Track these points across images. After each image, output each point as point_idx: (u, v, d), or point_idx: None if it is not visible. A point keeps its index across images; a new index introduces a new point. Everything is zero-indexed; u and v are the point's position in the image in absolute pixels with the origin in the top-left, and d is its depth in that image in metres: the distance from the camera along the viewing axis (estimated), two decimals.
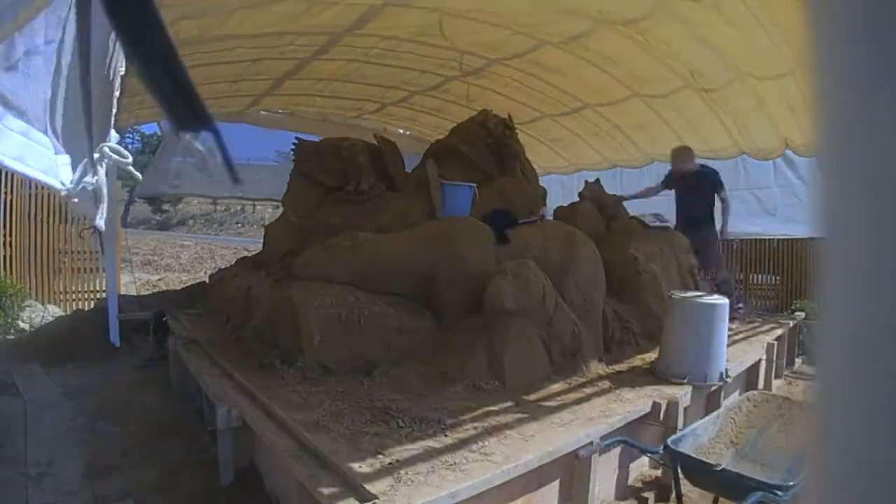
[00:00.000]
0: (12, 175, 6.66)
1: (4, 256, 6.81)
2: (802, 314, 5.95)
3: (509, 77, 5.94)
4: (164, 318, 4.95)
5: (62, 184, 1.62)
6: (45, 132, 1.60)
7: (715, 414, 2.77)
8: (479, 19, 4.58)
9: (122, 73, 2.07)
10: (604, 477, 2.83)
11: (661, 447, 2.41)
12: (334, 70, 5.91)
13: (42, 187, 6.90)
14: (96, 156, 1.57)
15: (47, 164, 1.60)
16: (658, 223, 5.37)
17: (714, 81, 4.88)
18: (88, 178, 1.59)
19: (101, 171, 1.59)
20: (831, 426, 0.30)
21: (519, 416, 2.80)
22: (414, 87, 6.53)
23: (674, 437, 2.46)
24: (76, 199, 1.72)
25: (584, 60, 5.10)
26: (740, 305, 5.36)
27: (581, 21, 4.43)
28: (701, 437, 2.57)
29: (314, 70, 5.80)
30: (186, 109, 0.50)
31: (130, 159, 1.67)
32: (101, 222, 1.69)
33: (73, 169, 1.65)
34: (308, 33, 4.80)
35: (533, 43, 5.03)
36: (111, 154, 1.58)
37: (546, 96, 6.20)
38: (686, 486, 2.42)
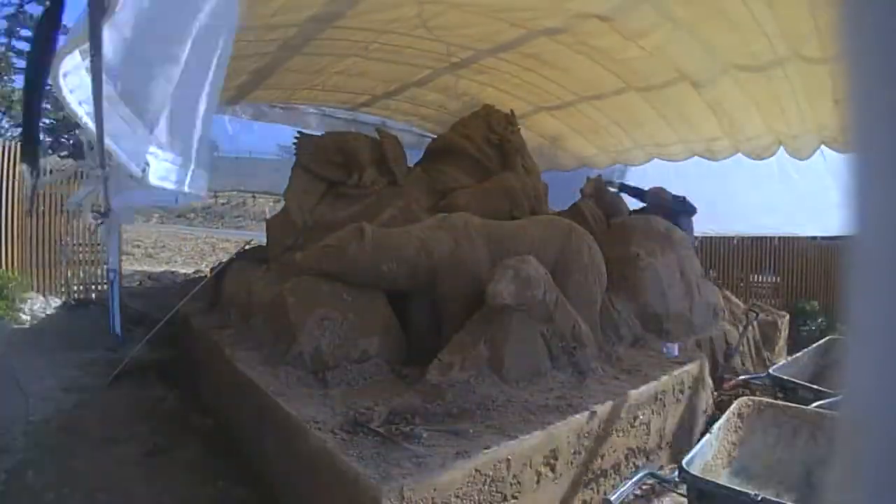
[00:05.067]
0: (14, 166, 6.66)
1: (6, 248, 6.82)
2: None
3: (503, 70, 5.86)
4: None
5: (140, 171, 1.73)
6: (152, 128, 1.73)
7: (717, 426, 2.57)
8: (471, 11, 4.49)
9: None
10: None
11: (677, 471, 2.19)
12: (326, 64, 5.79)
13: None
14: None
15: (135, 148, 1.71)
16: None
17: (704, 77, 4.81)
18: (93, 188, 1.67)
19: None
20: (865, 433, 0.28)
21: (519, 411, 2.81)
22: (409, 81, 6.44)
23: (686, 458, 2.22)
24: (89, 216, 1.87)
25: (579, 53, 5.00)
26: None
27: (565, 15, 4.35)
28: (707, 455, 2.34)
29: (308, 62, 5.67)
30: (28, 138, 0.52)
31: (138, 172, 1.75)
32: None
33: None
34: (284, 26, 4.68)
35: (524, 33, 4.92)
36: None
37: (540, 90, 6.11)
38: None
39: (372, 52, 5.41)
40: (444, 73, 5.98)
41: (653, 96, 5.45)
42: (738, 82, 4.62)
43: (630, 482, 2.25)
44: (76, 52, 1.94)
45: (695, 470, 2.15)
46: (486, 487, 2.30)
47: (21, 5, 14.53)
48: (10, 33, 14.93)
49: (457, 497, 2.20)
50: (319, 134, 5.35)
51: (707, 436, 2.51)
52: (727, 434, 2.58)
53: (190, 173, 2.06)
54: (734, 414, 2.67)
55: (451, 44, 5.07)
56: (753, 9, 3.66)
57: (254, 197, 23.37)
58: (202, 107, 1.96)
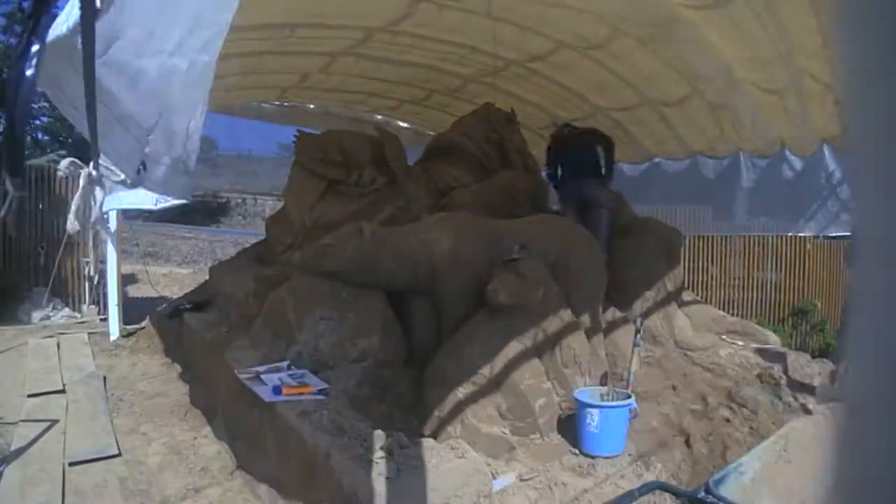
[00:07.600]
0: None
1: (5, 248, 6.80)
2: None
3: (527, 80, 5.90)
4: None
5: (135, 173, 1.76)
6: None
7: (762, 444, 2.20)
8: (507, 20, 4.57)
9: None
10: None
11: (703, 489, 1.87)
12: (352, 67, 5.81)
13: (41, 181, 6.93)
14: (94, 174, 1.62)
15: (129, 149, 1.73)
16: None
17: (714, 85, 4.84)
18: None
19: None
20: (866, 434, 0.28)
21: (517, 411, 2.80)
22: (433, 87, 6.50)
23: (716, 475, 1.93)
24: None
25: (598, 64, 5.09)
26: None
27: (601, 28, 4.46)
28: (745, 476, 1.99)
29: (339, 67, 5.72)
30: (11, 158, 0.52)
31: (122, 176, 1.73)
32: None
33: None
34: (335, 27, 4.74)
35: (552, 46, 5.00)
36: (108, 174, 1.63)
37: (554, 95, 6.14)
38: None
39: (376, 52, 5.43)
40: (470, 82, 6.03)
41: (657, 102, 5.47)
42: (741, 88, 4.64)
43: (635, 492, 1.90)
44: None
45: (726, 491, 1.81)
46: (487, 488, 2.29)
47: (20, 3, 14.53)
48: (8, 30, 14.96)
49: (456, 497, 2.19)
50: (319, 132, 5.34)
51: (746, 455, 2.14)
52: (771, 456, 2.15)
53: (179, 178, 2.02)
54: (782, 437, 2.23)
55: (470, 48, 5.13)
56: (761, 15, 3.68)
57: (255, 199, 23.40)
58: (198, 111, 1.93)
